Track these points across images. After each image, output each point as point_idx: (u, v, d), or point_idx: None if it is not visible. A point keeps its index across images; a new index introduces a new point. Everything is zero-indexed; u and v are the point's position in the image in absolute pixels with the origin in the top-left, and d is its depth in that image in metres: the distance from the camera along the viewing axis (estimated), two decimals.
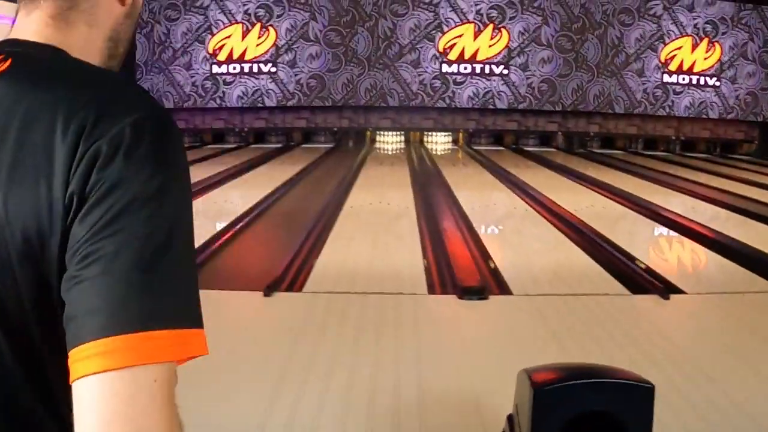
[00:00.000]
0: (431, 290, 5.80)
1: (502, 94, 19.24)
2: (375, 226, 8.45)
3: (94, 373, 0.92)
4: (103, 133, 1.00)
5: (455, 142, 19.90)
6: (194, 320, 1.01)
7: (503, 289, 5.78)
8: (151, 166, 1.01)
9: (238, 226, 8.55)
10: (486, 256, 6.84)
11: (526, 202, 10.09)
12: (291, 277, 6.21)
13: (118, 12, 1.25)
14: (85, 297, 0.95)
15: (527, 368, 2.46)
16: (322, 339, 4.68)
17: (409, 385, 3.99)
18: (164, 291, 0.98)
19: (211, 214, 9.82)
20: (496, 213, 9.81)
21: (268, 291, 5.63)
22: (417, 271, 6.31)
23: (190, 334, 0.99)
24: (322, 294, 5.63)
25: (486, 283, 5.88)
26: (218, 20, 19.60)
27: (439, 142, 19.91)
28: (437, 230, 8.05)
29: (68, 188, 0.99)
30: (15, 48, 1.13)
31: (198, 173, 13.35)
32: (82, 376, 0.92)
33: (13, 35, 1.18)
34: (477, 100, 19.24)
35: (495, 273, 6.21)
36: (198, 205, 10.24)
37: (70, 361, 0.95)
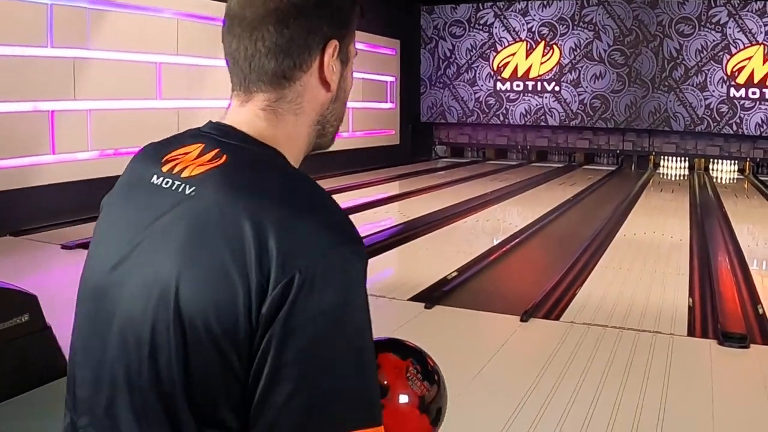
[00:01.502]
0: (691, 332, 5.63)
1: None
2: (645, 258, 8.28)
3: None
4: (289, 271, 1.12)
5: (741, 171, 18.78)
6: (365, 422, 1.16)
7: (767, 338, 5.52)
8: (333, 311, 1.13)
9: (508, 246, 8.71)
10: (755, 299, 6.52)
11: None
12: (551, 303, 6.27)
13: (323, 99, 1.37)
14: (274, 404, 1.12)
15: None
16: (568, 371, 4.72)
17: None
18: (345, 407, 1.14)
19: (486, 231, 10.10)
20: None
21: (525, 317, 5.72)
22: (679, 310, 6.15)
23: None
24: (578, 325, 5.65)
25: (750, 331, 5.64)
26: (502, 38, 19.95)
27: (724, 171, 18.95)
28: (708, 267, 7.78)
29: (251, 310, 1.13)
30: (231, 143, 1.30)
31: (478, 188, 13.70)
32: None
33: (229, 122, 1.35)
34: (766, 127, 18.06)
35: (761, 320, 5.91)
36: (475, 219, 10.53)
37: None
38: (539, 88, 19.83)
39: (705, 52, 18.38)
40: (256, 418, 1.13)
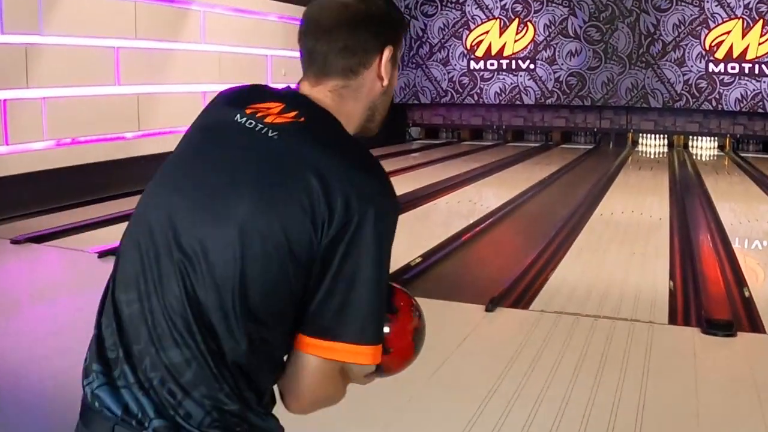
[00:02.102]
0: (672, 319, 5.19)
1: None
2: (622, 239, 7.90)
3: (321, 357, 1.50)
4: (349, 210, 1.46)
5: (721, 147, 18.38)
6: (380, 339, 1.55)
7: (755, 325, 5.06)
8: (375, 246, 1.48)
9: (479, 228, 8.29)
10: (741, 281, 6.09)
11: None
12: (520, 290, 5.84)
13: (377, 91, 1.70)
14: (328, 310, 1.48)
15: None
16: (539, 364, 4.30)
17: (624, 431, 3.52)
18: (372, 320, 1.51)
19: (459, 213, 9.70)
20: (758, 230, 8.90)
21: (492, 306, 5.28)
22: (660, 295, 5.71)
23: (376, 349, 1.53)
24: (549, 314, 5.21)
25: (736, 317, 5.23)
26: (475, 16, 19.50)
27: (703, 147, 18.56)
28: (690, 248, 7.37)
29: (314, 235, 1.46)
30: (308, 109, 1.60)
31: (452, 170, 13.33)
32: (312, 354, 1.50)
33: (304, 94, 1.66)
34: (745, 102, 17.62)
35: (748, 304, 5.48)
36: (446, 201, 10.20)
37: (306, 339, 1.50)
38: (514, 67, 19.34)
39: (683, 27, 17.93)
40: (311, 322, 1.50)
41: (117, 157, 10.85)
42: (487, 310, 5.23)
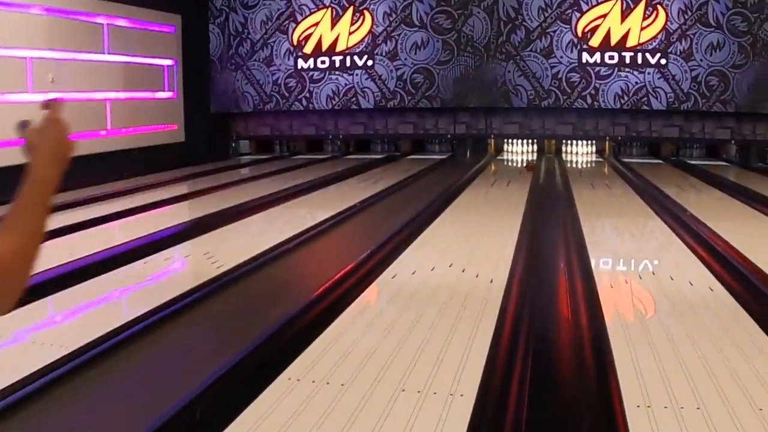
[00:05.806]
0: None
1: (660, 91, 15.19)
2: (401, 348, 4.31)
3: None
4: None
5: (600, 153, 16.03)
6: None
7: None
8: None
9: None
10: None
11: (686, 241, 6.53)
12: None
13: None
14: None
15: None
16: None
17: None
18: None
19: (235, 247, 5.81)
20: (650, 295, 5.41)
21: None
22: None
23: None
24: None
25: None
26: (303, 5, 16.65)
27: (579, 153, 16.16)
28: (542, 347, 3.93)
29: None
30: None
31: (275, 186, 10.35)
32: None
33: None
34: (627, 99, 15.35)
35: None
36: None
37: None
38: (348, 64, 16.44)
39: (550, 11, 15.58)
40: None
41: None
42: None
